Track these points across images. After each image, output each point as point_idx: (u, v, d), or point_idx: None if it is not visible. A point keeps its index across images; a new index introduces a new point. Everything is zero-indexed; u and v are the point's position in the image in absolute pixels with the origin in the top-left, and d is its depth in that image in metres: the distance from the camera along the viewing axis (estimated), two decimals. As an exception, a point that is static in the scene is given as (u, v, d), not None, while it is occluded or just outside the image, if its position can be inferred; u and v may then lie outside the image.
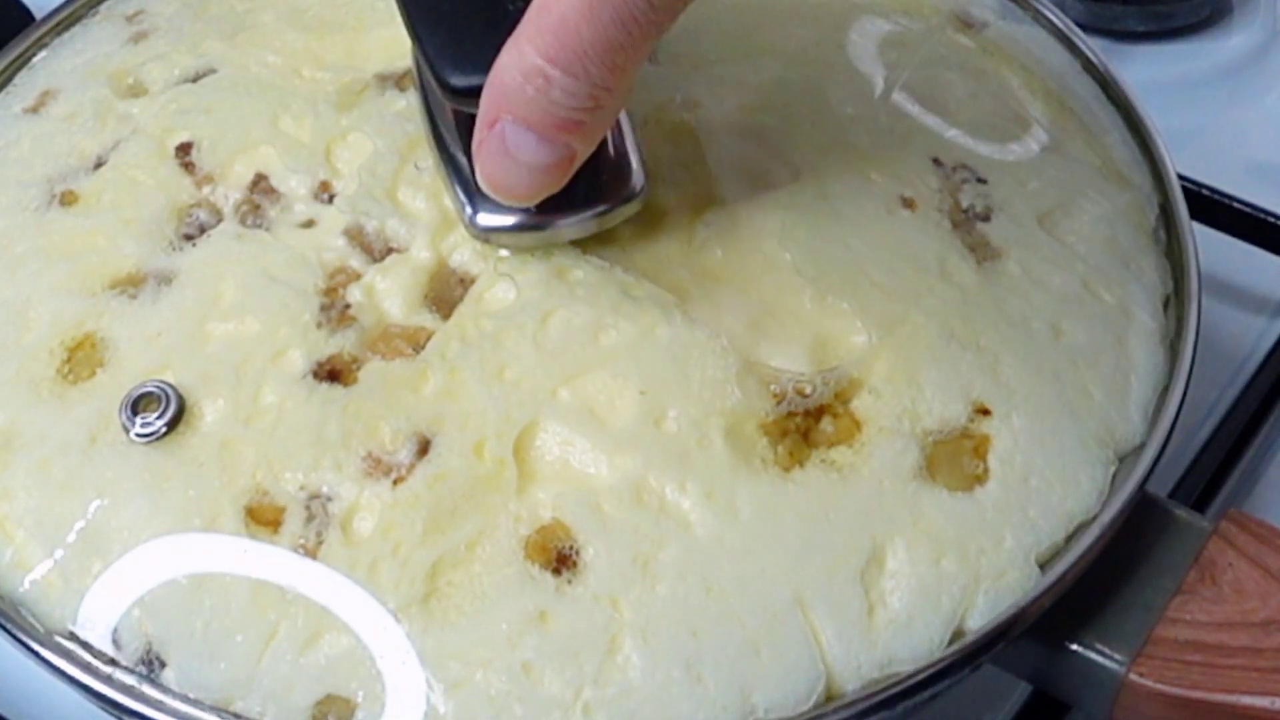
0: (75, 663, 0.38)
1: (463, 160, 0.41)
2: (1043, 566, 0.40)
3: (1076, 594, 0.41)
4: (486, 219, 0.40)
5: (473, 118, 0.37)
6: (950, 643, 0.38)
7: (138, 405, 0.39)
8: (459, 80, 0.38)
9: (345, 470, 0.38)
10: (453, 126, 0.41)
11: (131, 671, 0.38)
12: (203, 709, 0.37)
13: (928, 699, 0.39)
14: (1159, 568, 0.42)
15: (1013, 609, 0.39)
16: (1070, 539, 0.40)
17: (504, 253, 0.41)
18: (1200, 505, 0.51)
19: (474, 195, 0.40)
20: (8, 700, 0.49)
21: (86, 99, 0.47)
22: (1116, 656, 0.41)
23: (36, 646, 0.38)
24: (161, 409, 0.39)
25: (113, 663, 0.38)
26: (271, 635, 0.37)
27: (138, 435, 0.39)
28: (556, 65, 0.35)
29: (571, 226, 0.41)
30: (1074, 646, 0.41)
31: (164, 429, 0.39)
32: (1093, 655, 0.41)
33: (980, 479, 0.40)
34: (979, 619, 0.38)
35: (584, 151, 0.37)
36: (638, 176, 0.41)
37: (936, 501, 0.39)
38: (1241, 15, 0.72)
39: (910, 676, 0.38)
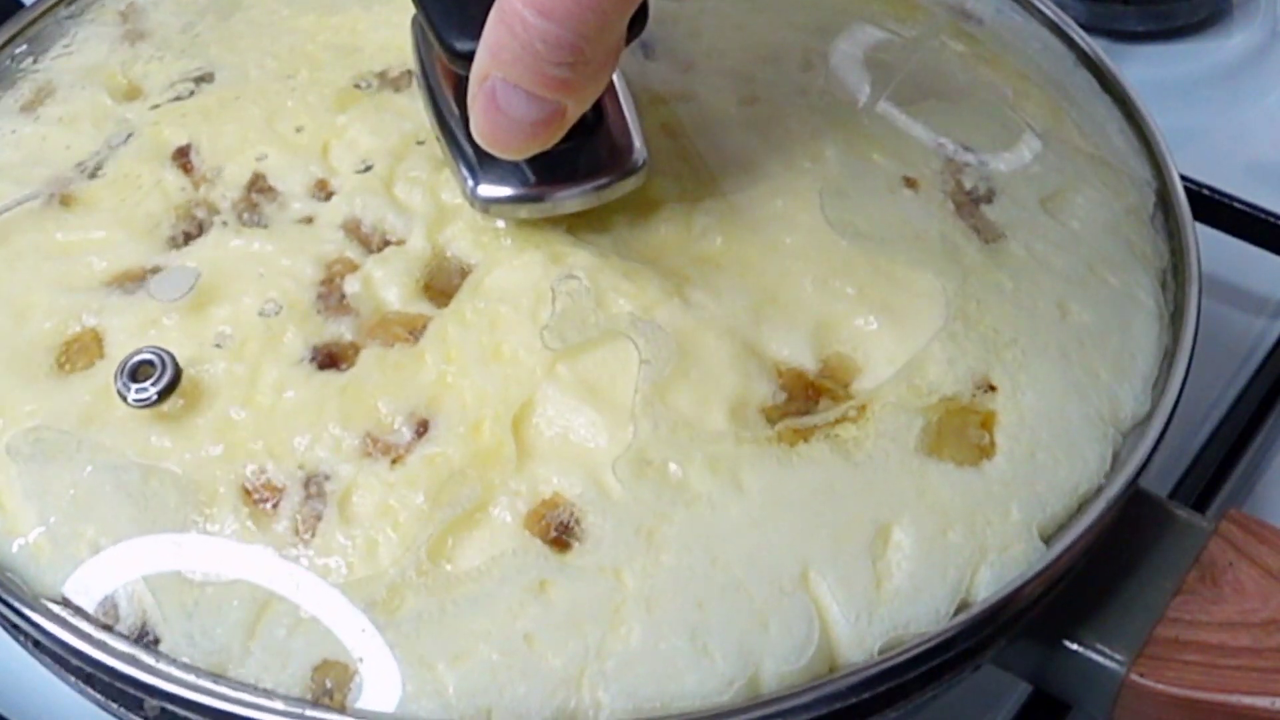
0: (69, 629, 0.38)
1: (462, 133, 0.41)
2: (1047, 541, 0.39)
3: (1077, 593, 0.41)
4: (487, 190, 0.40)
5: None
6: (955, 615, 0.38)
7: (135, 373, 0.39)
8: (462, 44, 0.38)
9: (343, 450, 0.38)
10: (451, 99, 0.41)
11: (126, 638, 0.38)
12: (200, 675, 0.37)
13: (931, 675, 0.39)
14: (1159, 568, 0.42)
15: (1018, 581, 0.39)
16: (1075, 515, 0.40)
17: (504, 242, 0.41)
18: (1200, 505, 0.51)
19: (475, 167, 0.40)
20: (8, 700, 0.48)
21: (83, 101, 0.46)
22: (1117, 656, 0.41)
23: (28, 611, 0.38)
24: (158, 375, 0.39)
25: (107, 628, 0.38)
26: (266, 607, 0.37)
27: (134, 401, 0.39)
28: (540, 13, 0.34)
29: (572, 199, 0.40)
30: (1074, 646, 0.41)
31: (156, 396, 0.39)
32: (1093, 655, 0.41)
33: (987, 453, 0.40)
34: (984, 591, 0.39)
35: (575, 109, 0.37)
36: (639, 151, 0.41)
37: (943, 475, 0.39)
38: (1241, 15, 0.72)
39: (917, 647, 0.37)
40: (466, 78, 0.38)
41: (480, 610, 0.37)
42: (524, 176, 0.40)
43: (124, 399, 0.39)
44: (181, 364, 0.39)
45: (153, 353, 0.39)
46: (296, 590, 0.37)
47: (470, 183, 0.41)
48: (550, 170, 0.40)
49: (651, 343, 0.39)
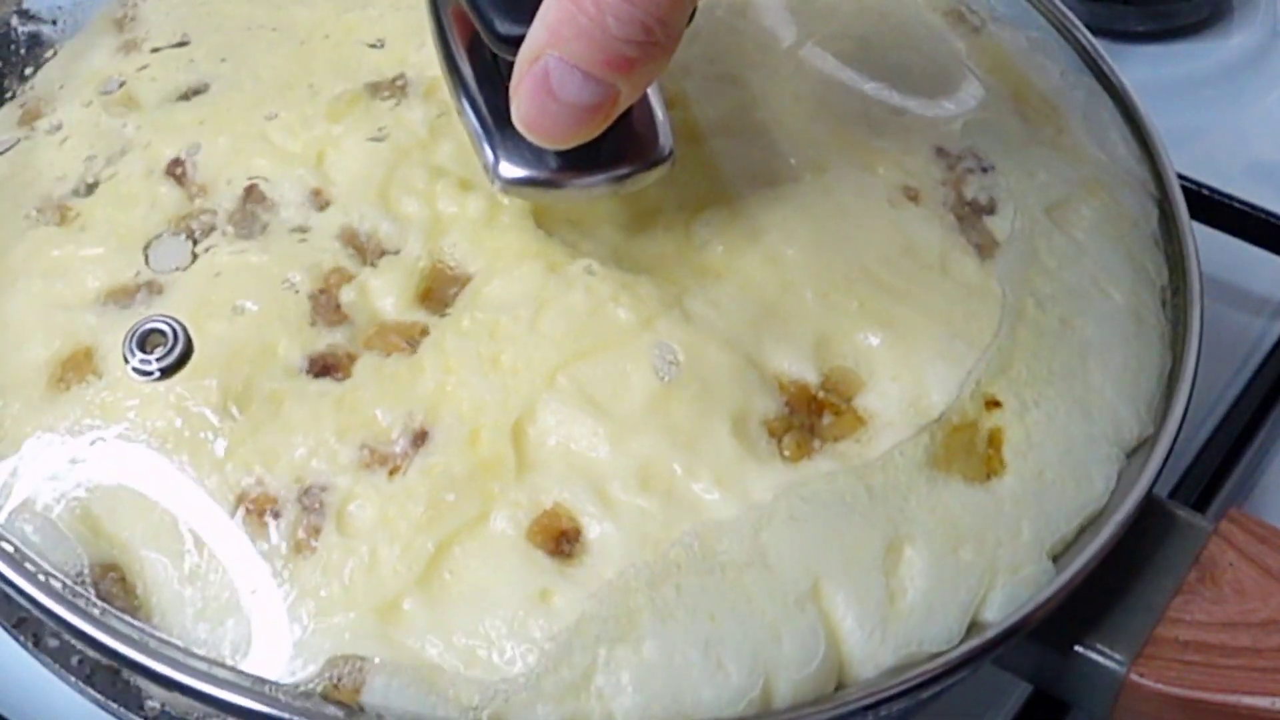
0: (76, 611, 0.38)
1: (486, 111, 0.40)
2: (1054, 560, 0.40)
3: (1078, 595, 0.41)
4: (509, 170, 0.40)
5: (502, 64, 0.37)
6: (967, 633, 0.38)
7: (144, 341, 0.39)
8: (507, 28, 0.37)
9: (340, 461, 0.38)
10: (474, 75, 0.41)
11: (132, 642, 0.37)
12: (211, 665, 0.37)
13: (943, 691, 0.39)
14: (1160, 568, 0.42)
15: (1030, 606, 0.39)
16: (1082, 534, 0.40)
17: (503, 251, 0.41)
18: (1200, 505, 0.51)
19: (497, 146, 0.40)
20: (8, 700, 0.49)
21: (78, 114, 0.46)
22: (1117, 657, 0.41)
23: (41, 596, 0.38)
24: (168, 347, 0.38)
25: (112, 616, 0.38)
26: (270, 620, 0.37)
27: (135, 370, 0.38)
28: None
29: (596, 185, 0.40)
30: (1075, 647, 0.41)
31: (159, 372, 0.38)
32: (1094, 655, 0.41)
33: (995, 471, 0.40)
34: (995, 611, 0.39)
35: (628, 96, 0.36)
36: (665, 141, 0.40)
37: (953, 492, 0.39)
38: (1241, 15, 0.72)
39: (933, 665, 0.38)
40: (490, 54, 0.37)
41: (486, 619, 0.37)
42: (546, 160, 0.39)
43: (127, 363, 0.38)
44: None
45: (164, 321, 0.38)
46: (299, 603, 0.37)
47: (491, 161, 0.40)
48: (573, 155, 0.39)
49: (653, 358, 0.39)
